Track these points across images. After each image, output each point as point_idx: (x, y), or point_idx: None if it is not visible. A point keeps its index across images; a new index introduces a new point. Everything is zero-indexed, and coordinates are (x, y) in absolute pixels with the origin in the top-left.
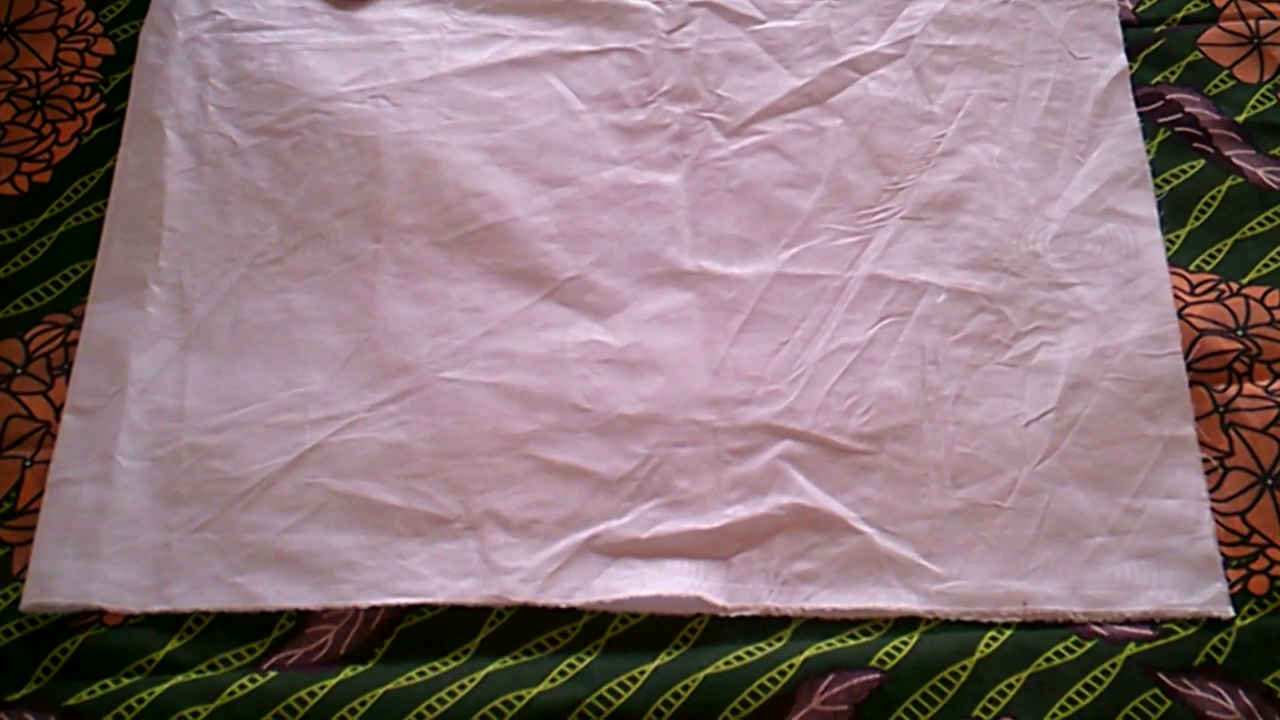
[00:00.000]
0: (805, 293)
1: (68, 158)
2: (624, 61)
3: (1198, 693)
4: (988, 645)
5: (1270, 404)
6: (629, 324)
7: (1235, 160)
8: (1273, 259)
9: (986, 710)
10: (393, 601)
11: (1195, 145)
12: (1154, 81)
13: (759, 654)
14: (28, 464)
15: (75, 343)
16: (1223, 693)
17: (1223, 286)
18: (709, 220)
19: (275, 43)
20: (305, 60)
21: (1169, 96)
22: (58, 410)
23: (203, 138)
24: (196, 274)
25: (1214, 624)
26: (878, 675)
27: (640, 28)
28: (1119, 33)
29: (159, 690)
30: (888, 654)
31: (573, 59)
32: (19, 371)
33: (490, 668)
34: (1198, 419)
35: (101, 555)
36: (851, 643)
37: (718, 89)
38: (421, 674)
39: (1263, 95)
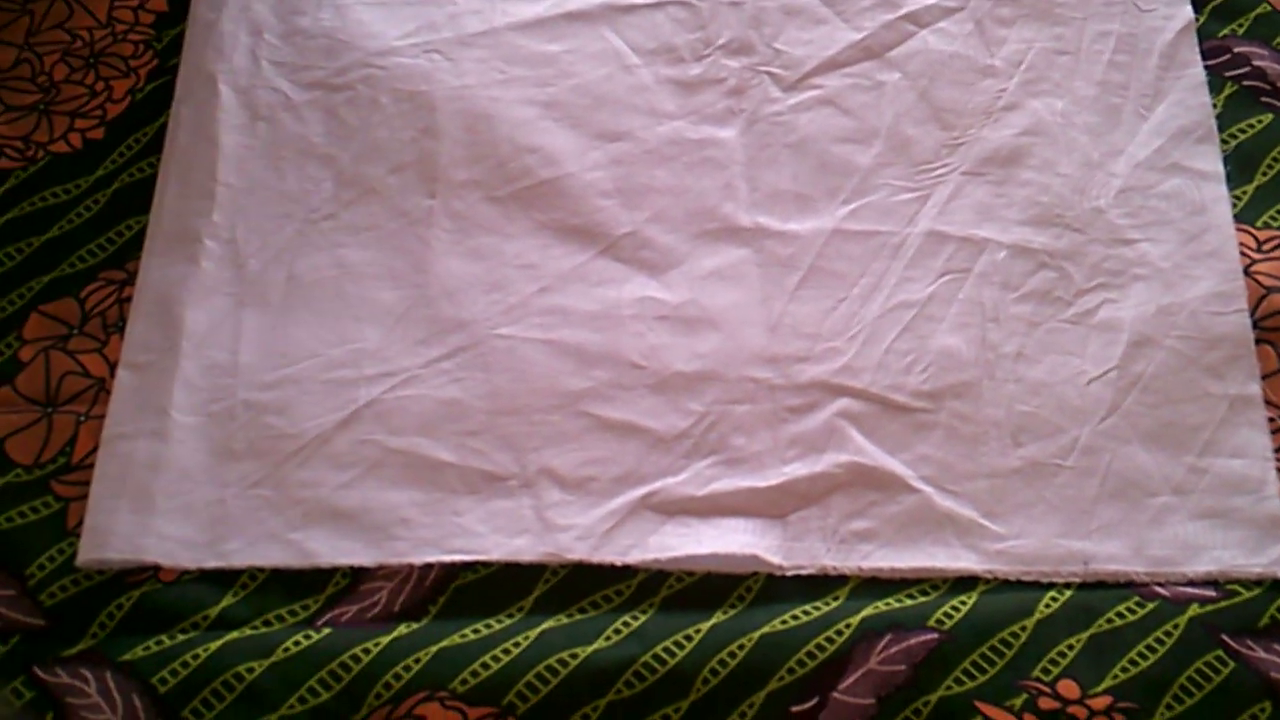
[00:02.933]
0: (863, 249)
1: (121, 114)
2: (680, 15)
3: (1262, 654)
4: (1048, 606)
5: None
6: (685, 280)
7: None
8: None
9: (1046, 671)
10: (447, 559)
11: (1263, 99)
12: (1221, 34)
13: (815, 614)
14: (82, 419)
15: (130, 299)
16: None
17: None
18: (766, 176)
19: None
20: (358, 14)
21: (1236, 49)
22: (113, 367)
23: (256, 93)
24: (250, 229)
25: (1278, 585)
26: (936, 635)
27: None
28: None
29: (214, 646)
30: (946, 614)
31: (628, 12)
32: (76, 331)
33: (544, 626)
34: (1264, 377)
35: (157, 511)
36: (909, 602)
37: (774, 43)
38: (476, 631)
39: None
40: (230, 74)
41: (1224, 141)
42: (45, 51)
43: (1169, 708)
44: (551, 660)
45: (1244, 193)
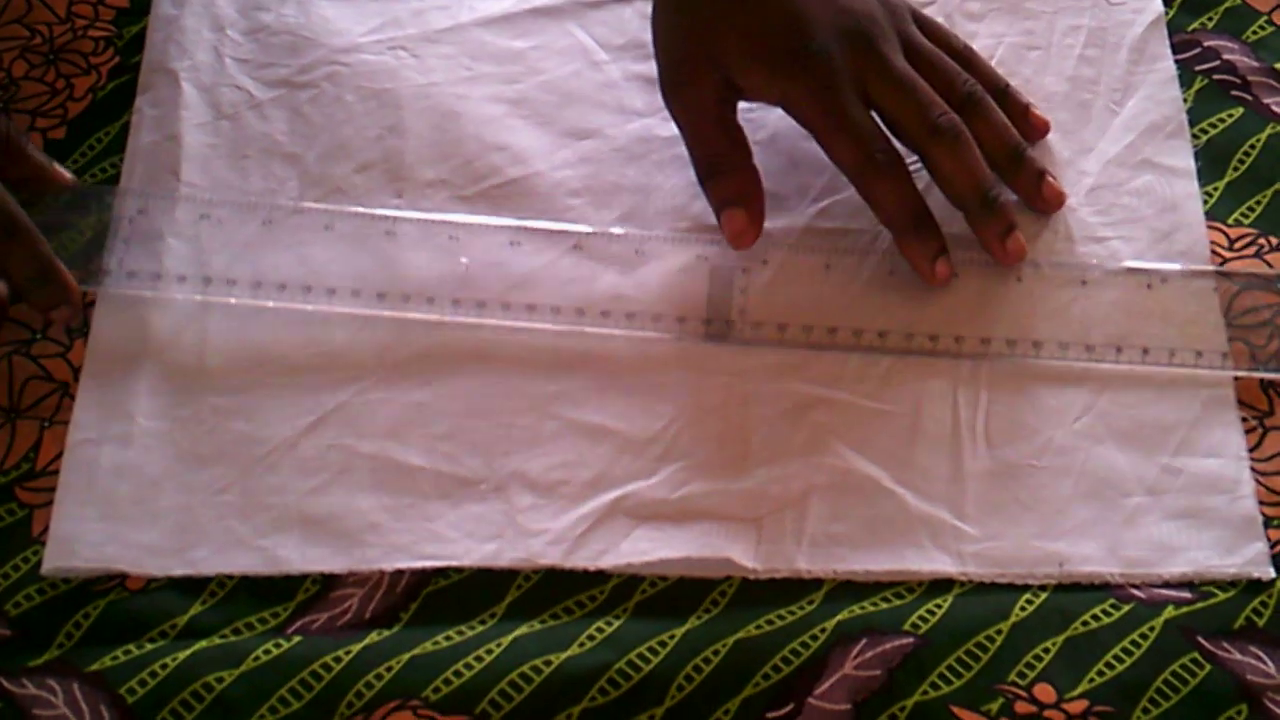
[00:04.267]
0: (835, 247)
1: (82, 113)
2: (647, 10)
3: (1238, 656)
4: (1023, 609)
5: None
6: (656, 279)
7: (1275, 108)
8: None
9: (1022, 675)
10: (419, 565)
11: (1234, 93)
12: (1191, 28)
13: (790, 618)
14: (46, 425)
15: (94, 302)
16: (1264, 656)
17: (1262, 240)
18: None
19: None
20: (323, 11)
21: (1206, 43)
22: (76, 372)
23: (219, 90)
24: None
25: (1254, 586)
26: (911, 639)
27: None
28: None
29: (182, 655)
30: (921, 617)
31: (595, 7)
32: (39, 335)
33: (518, 632)
34: (1237, 377)
35: (123, 518)
36: (885, 606)
37: None
38: (449, 638)
39: None
40: (193, 71)
41: (1195, 137)
42: (4, 48)
43: (1145, 711)
44: (525, 667)
45: (1215, 189)
